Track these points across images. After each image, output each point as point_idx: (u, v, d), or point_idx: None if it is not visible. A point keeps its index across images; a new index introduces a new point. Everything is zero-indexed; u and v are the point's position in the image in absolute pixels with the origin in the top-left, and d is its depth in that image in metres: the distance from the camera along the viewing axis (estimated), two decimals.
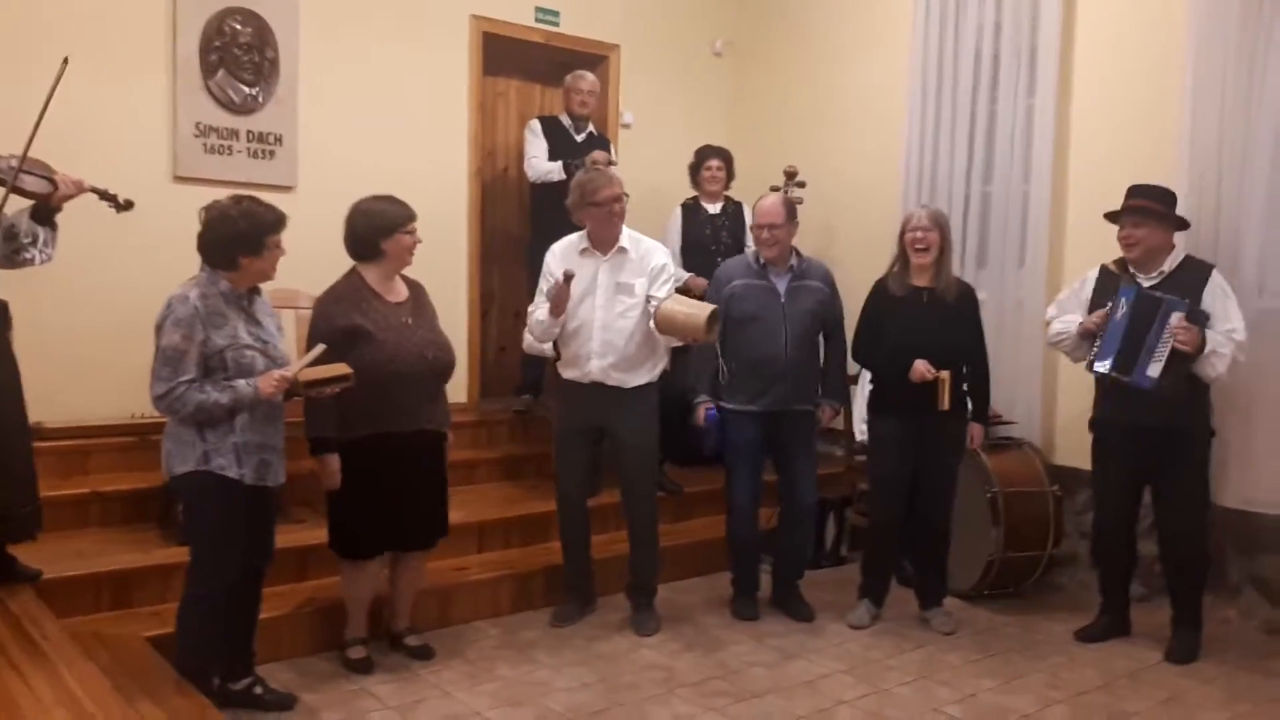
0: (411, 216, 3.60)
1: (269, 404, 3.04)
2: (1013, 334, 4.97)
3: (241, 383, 2.95)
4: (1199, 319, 3.75)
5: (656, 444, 4.24)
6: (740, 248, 5.47)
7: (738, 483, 4.34)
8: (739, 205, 5.56)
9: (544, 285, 4.06)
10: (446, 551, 4.15)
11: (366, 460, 3.48)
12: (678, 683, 3.68)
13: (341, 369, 3.12)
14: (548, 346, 4.17)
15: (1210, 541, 4.10)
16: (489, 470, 5.20)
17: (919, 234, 4.07)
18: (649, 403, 4.13)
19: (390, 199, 3.62)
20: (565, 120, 5.46)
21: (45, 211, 3.40)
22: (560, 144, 5.34)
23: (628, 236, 4.07)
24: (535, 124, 5.45)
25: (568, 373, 4.10)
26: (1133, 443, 3.96)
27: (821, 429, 4.41)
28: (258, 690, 3.30)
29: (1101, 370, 3.91)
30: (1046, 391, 4.94)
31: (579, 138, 5.41)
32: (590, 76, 5.53)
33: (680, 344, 4.13)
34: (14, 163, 3.28)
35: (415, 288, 3.73)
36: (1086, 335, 4.01)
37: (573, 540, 4.22)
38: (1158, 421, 3.86)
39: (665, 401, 5.12)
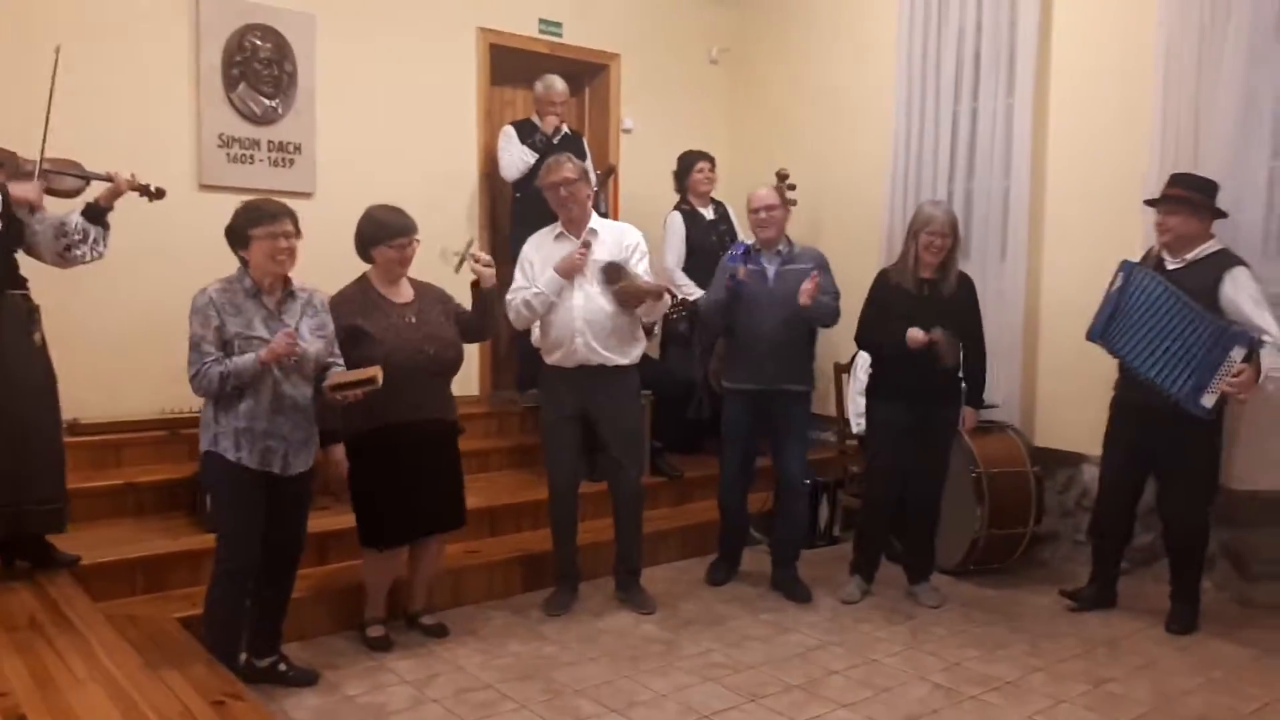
0: (402, 231, 3.53)
1: (278, 392, 3.06)
2: (994, 322, 4.93)
3: (249, 355, 3.00)
4: (1254, 345, 3.60)
5: (641, 427, 4.24)
6: None
7: (726, 461, 4.42)
8: (725, 206, 5.59)
9: (519, 274, 4.05)
10: (461, 535, 4.16)
11: (379, 452, 3.51)
12: (678, 655, 3.70)
13: (369, 373, 3.11)
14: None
15: (1211, 521, 4.02)
16: (500, 459, 5.21)
17: (938, 240, 4.04)
18: (632, 385, 4.12)
19: (393, 210, 3.58)
20: (537, 121, 5.42)
21: (97, 210, 3.44)
22: (537, 145, 5.33)
23: (596, 220, 4.08)
24: (509, 129, 5.41)
25: (551, 357, 4.05)
26: (1142, 423, 3.93)
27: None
28: (282, 667, 3.33)
29: (1091, 339, 3.92)
30: (1026, 376, 4.94)
31: (555, 139, 5.38)
32: (560, 85, 5.45)
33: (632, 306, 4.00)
34: (39, 162, 3.34)
35: (423, 289, 3.70)
36: None
37: (563, 529, 4.17)
38: (1167, 404, 3.79)
39: (666, 391, 5.18)
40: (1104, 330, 3.91)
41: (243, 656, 3.26)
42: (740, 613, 4.17)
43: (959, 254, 4.18)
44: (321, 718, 3.14)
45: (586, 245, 3.95)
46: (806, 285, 4.04)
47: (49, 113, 3.40)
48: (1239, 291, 3.69)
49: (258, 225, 3.06)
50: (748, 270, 4.14)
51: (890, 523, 4.41)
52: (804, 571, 4.44)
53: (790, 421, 4.30)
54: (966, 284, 4.22)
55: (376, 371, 3.12)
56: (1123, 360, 3.92)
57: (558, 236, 4.06)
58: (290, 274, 3.18)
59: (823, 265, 4.30)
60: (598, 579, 4.38)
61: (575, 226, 4.04)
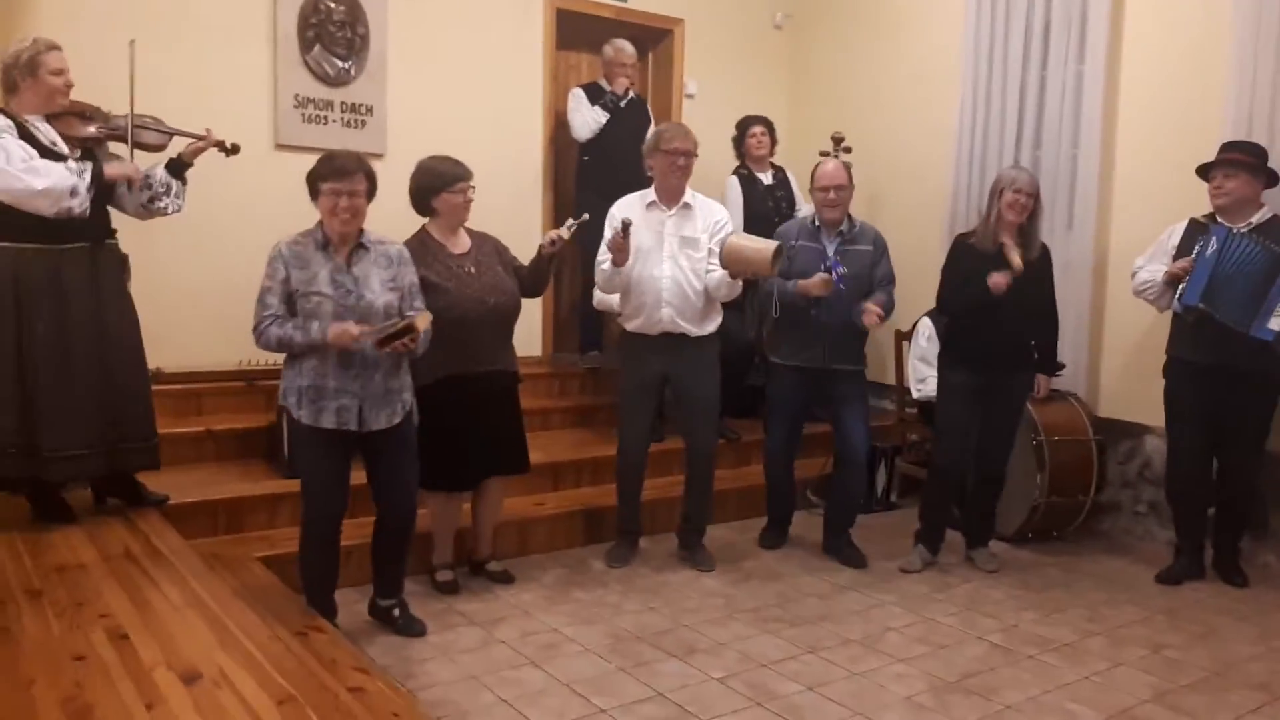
0: (460, 177, 3.61)
1: (345, 352, 3.06)
2: (1060, 292, 4.85)
3: (315, 325, 3.04)
4: None
5: (718, 395, 4.28)
6: (792, 212, 5.53)
7: (772, 432, 4.47)
8: (785, 172, 5.61)
9: (606, 233, 4.09)
10: (525, 489, 4.33)
11: (444, 402, 3.58)
12: (736, 609, 3.80)
13: (405, 322, 3.09)
14: (616, 300, 4.25)
15: (1261, 481, 4.15)
16: (562, 418, 5.34)
17: (1022, 198, 4.03)
18: (712, 353, 4.19)
19: (448, 159, 3.65)
20: (605, 85, 5.48)
21: (180, 165, 3.60)
22: (607, 105, 5.39)
23: (691, 194, 4.11)
24: (579, 91, 5.48)
25: (633, 324, 4.13)
26: (1207, 384, 4.01)
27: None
28: (395, 613, 3.46)
29: (1191, 303, 3.93)
30: (1092, 347, 4.93)
31: (622, 101, 5.44)
32: (629, 48, 5.52)
33: (743, 279, 4.08)
34: (129, 119, 3.48)
35: (480, 239, 3.77)
36: (1172, 281, 4.04)
37: (630, 487, 4.28)
38: (1235, 363, 3.91)
39: (724, 356, 5.25)
40: (1204, 294, 3.90)
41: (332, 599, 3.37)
42: (798, 571, 4.26)
43: (1040, 220, 4.16)
44: (393, 653, 3.29)
45: (625, 229, 3.88)
46: (871, 309, 4.06)
47: (132, 98, 3.51)
48: None
49: (324, 179, 3.10)
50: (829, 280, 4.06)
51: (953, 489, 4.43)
52: (860, 536, 4.49)
53: (849, 395, 4.30)
54: (1045, 252, 4.21)
55: (412, 319, 3.09)
56: (1222, 322, 3.89)
57: (649, 205, 4.09)
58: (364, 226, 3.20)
59: (882, 248, 4.29)
60: (657, 535, 4.49)
61: (670, 198, 4.08)
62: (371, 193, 3.20)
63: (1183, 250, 4.05)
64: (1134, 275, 4.26)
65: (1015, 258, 3.97)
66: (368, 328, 3.06)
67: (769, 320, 4.48)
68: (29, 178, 3.18)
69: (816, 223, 4.28)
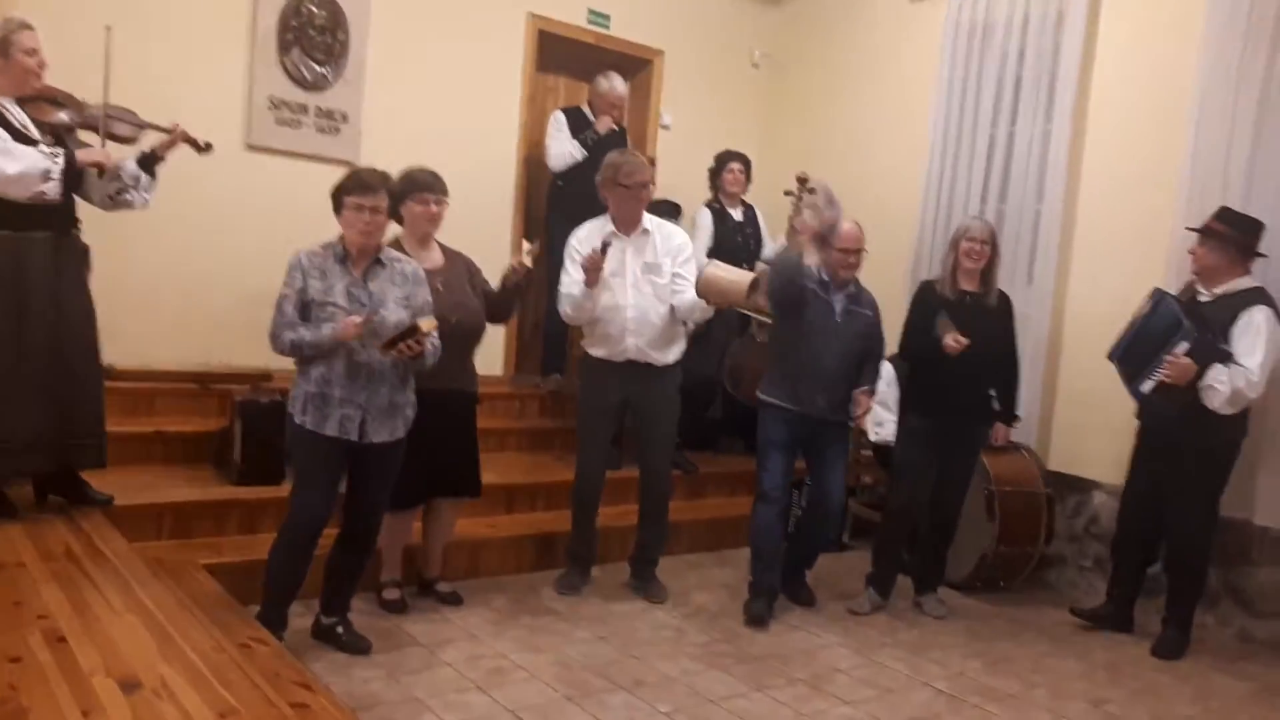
0: (428, 186, 3.63)
1: (352, 360, 3.10)
2: (1018, 347, 5.05)
3: (326, 326, 3.09)
4: (1207, 353, 3.81)
5: (676, 425, 4.31)
6: (759, 250, 5.58)
7: (770, 473, 4.13)
8: (753, 209, 5.67)
9: (569, 264, 4.10)
10: (478, 510, 4.29)
11: None
12: (686, 642, 3.80)
13: (408, 326, 3.12)
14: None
15: (1212, 552, 4.16)
16: (519, 440, 5.32)
17: (976, 245, 4.16)
18: (674, 382, 4.22)
19: (423, 170, 3.68)
20: (589, 114, 5.50)
21: (151, 159, 3.55)
22: (587, 142, 5.41)
23: (649, 220, 4.16)
24: (560, 115, 5.48)
25: (597, 351, 4.14)
26: (1160, 448, 4.08)
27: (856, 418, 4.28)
28: (339, 630, 3.41)
29: (1112, 358, 4.11)
30: (1045, 400, 5.04)
31: (603, 131, 5.45)
32: (623, 87, 5.53)
33: (717, 308, 4.12)
34: (102, 109, 3.44)
35: (453, 258, 3.79)
36: None
37: (585, 514, 4.26)
38: (1181, 430, 3.95)
39: (685, 388, 5.27)
40: (1123, 352, 4.07)
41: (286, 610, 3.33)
42: None
43: (997, 268, 4.28)
44: (337, 671, 3.23)
45: (604, 249, 3.94)
46: (864, 403, 4.11)
47: (106, 88, 3.45)
48: (1247, 327, 3.85)
49: (350, 194, 3.15)
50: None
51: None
52: (811, 576, 4.49)
53: (835, 447, 4.25)
54: (1005, 301, 4.31)
55: (417, 322, 3.13)
56: (1127, 379, 4.07)
57: (610, 234, 4.10)
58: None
59: (878, 317, 4.28)
60: (609, 564, 4.48)
61: (629, 226, 4.12)
62: (392, 210, 3.31)
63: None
64: None
65: (950, 340, 4.03)
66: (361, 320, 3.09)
67: (730, 351, 4.50)
68: (2, 161, 3.13)
69: (824, 275, 4.16)
